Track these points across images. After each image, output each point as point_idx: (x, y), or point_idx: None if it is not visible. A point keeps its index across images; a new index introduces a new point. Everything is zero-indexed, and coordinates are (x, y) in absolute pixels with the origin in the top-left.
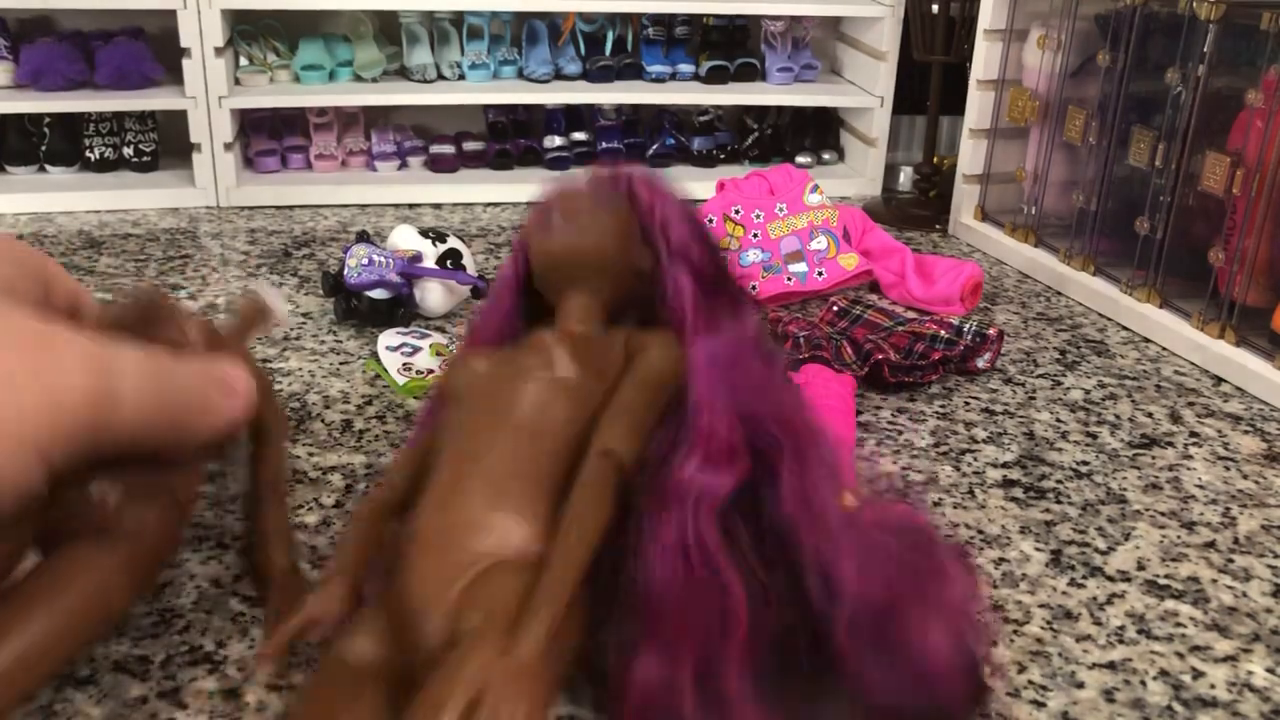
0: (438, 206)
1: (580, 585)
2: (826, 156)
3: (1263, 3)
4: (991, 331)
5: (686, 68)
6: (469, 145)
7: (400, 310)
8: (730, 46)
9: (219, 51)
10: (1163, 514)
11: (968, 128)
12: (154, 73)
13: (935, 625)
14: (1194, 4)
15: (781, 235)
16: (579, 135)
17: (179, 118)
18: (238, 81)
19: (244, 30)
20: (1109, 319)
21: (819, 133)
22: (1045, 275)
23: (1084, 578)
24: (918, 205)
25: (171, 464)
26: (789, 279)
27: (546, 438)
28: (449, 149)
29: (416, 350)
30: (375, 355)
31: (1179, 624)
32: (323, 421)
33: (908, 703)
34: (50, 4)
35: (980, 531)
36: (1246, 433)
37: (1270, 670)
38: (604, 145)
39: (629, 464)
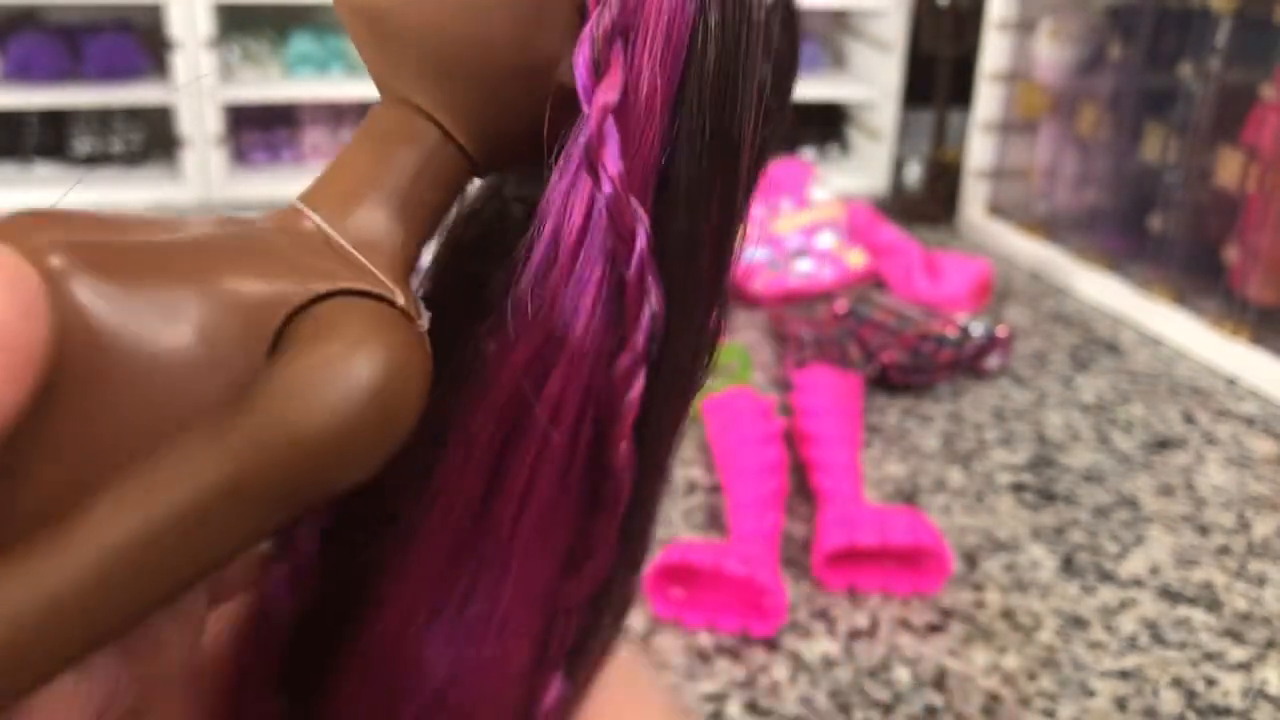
0: None
1: None
2: (832, 151)
3: None
4: (1001, 331)
5: None
6: None
7: None
8: None
9: (209, 44)
10: (1176, 518)
11: (977, 122)
12: (142, 66)
13: None
14: None
15: (786, 232)
16: None
17: (168, 111)
18: (228, 73)
19: (234, 21)
20: (1121, 318)
21: (824, 126)
22: (1056, 273)
23: (1096, 583)
24: (925, 201)
25: None
26: (794, 277)
27: None
28: None
29: None
30: None
31: (1192, 631)
32: None
33: None
34: None
35: (990, 536)
36: (1262, 434)
37: None
38: None
39: None
